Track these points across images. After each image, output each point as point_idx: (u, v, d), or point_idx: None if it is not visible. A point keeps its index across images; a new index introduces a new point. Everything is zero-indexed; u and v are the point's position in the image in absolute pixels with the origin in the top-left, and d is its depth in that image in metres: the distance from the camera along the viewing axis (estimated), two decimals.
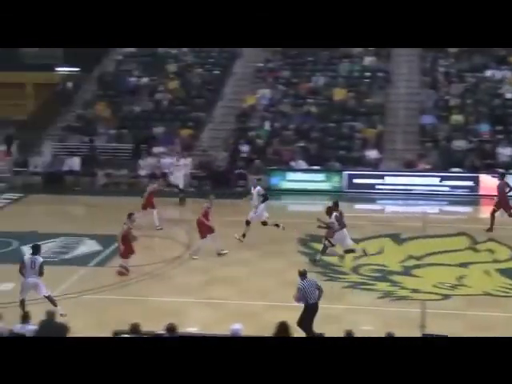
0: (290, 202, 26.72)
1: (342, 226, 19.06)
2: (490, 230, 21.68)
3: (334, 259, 19.67)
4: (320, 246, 20.75)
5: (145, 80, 32.72)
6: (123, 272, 18.36)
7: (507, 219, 21.91)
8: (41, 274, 15.67)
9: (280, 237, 21.57)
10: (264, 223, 21.06)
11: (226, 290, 17.61)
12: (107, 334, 12.95)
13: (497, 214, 21.94)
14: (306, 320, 14.19)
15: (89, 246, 20.67)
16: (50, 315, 12.99)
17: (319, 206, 25.07)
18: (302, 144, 28.56)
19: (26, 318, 13.06)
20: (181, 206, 25.35)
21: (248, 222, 20.90)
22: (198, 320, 15.93)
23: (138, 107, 31.28)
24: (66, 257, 19.82)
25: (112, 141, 29.57)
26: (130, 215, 18.61)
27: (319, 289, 14.36)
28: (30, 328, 12.91)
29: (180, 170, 26.38)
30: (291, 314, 16.07)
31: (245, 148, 28.29)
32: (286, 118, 30.09)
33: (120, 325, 13.16)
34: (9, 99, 37.48)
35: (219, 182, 27.44)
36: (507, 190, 22.18)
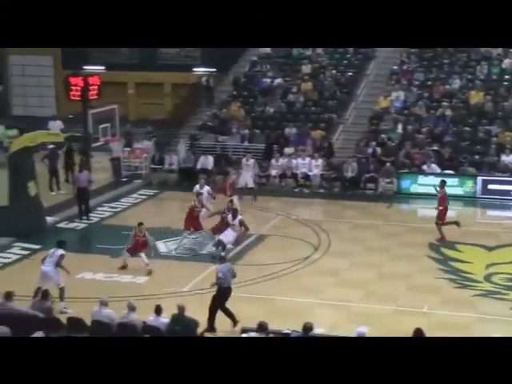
0: (421, 206, 26.26)
1: (246, 228, 20.04)
2: (442, 239, 21.21)
3: (464, 266, 19.27)
4: (450, 252, 20.41)
5: (278, 81, 33.05)
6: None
7: None
8: (57, 264, 16.40)
9: (411, 241, 21.34)
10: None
11: (353, 291, 17.58)
12: (235, 330, 13.28)
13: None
14: (218, 302, 15.07)
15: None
16: (182, 310, 13.43)
17: (451, 212, 24.56)
18: (434, 148, 28.04)
19: (158, 310, 13.55)
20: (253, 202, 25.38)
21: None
22: (324, 321, 15.97)
23: (271, 108, 31.66)
24: (198, 253, 20.34)
25: (245, 141, 30.05)
26: (140, 225, 19.17)
27: (234, 276, 15.45)
28: (163, 321, 13.40)
29: (248, 169, 26.40)
30: (418, 319, 15.91)
31: (376, 151, 28.04)
32: (419, 120, 29.63)
33: (247, 322, 13.46)
34: (148, 99, 38.84)
35: (349, 184, 27.34)
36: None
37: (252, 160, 26.96)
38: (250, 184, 26.07)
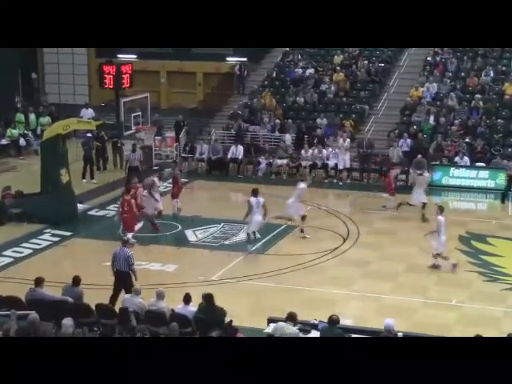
0: (452, 198, 26.07)
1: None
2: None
3: (495, 260, 19.11)
4: (481, 245, 20.24)
5: (310, 71, 32.94)
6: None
7: None
8: (299, 196, 20.28)
9: None
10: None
11: (382, 283, 17.52)
12: (262, 320, 13.32)
13: None
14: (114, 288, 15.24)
15: None
16: (209, 299, 13.45)
17: (483, 204, 24.41)
18: (467, 140, 27.79)
19: (187, 299, 13.61)
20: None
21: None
22: (352, 312, 15.97)
23: (303, 98, 31.57)
24: (227, 242, 20.38)
25: (275, 131, 30.00)
26: (128, 189, 20.21)
27: (128, 262, 15.15)
28: (191, 309, 13.45)
29: (422, 185, 22.83)
30: (446, 312, 15.86)
31: (407, 142, 27.86)
32: (452, 112, 29.35)
33: (274, 312, 13.48)
34: (180, 87, 38.89)
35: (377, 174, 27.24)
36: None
37: (427, 174, 23.96)
38: (423, 199, 22.58)
